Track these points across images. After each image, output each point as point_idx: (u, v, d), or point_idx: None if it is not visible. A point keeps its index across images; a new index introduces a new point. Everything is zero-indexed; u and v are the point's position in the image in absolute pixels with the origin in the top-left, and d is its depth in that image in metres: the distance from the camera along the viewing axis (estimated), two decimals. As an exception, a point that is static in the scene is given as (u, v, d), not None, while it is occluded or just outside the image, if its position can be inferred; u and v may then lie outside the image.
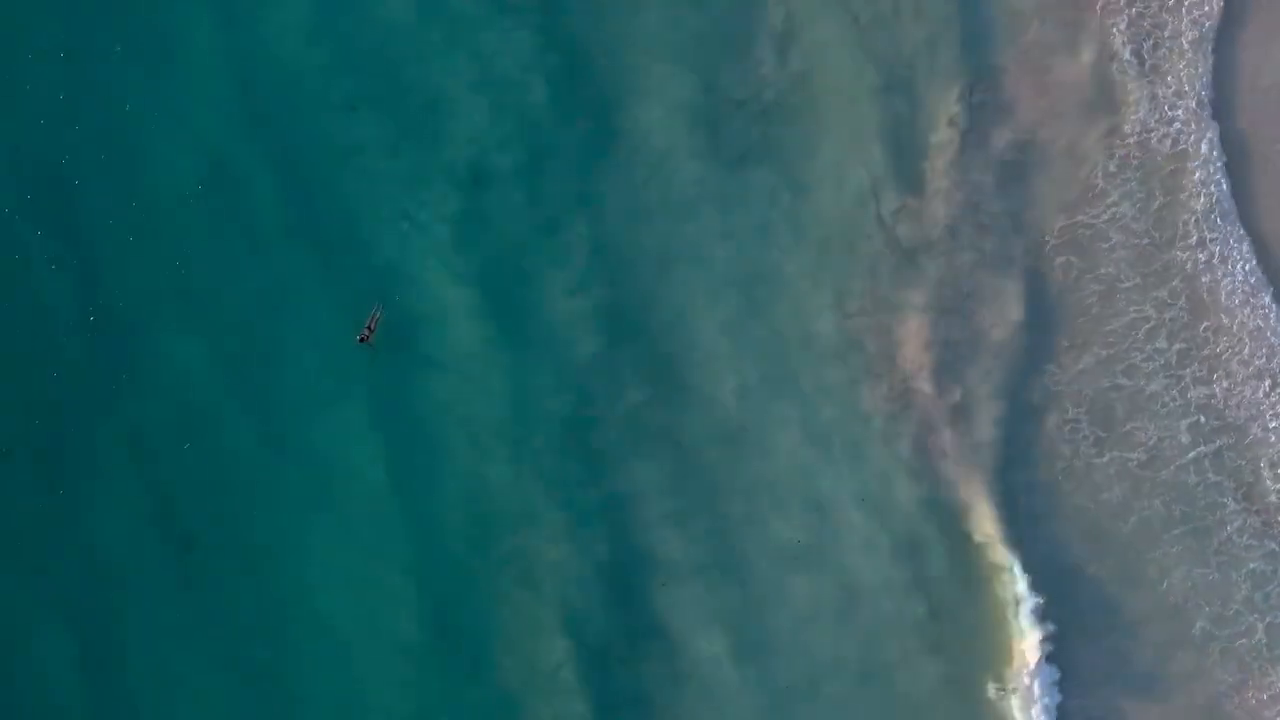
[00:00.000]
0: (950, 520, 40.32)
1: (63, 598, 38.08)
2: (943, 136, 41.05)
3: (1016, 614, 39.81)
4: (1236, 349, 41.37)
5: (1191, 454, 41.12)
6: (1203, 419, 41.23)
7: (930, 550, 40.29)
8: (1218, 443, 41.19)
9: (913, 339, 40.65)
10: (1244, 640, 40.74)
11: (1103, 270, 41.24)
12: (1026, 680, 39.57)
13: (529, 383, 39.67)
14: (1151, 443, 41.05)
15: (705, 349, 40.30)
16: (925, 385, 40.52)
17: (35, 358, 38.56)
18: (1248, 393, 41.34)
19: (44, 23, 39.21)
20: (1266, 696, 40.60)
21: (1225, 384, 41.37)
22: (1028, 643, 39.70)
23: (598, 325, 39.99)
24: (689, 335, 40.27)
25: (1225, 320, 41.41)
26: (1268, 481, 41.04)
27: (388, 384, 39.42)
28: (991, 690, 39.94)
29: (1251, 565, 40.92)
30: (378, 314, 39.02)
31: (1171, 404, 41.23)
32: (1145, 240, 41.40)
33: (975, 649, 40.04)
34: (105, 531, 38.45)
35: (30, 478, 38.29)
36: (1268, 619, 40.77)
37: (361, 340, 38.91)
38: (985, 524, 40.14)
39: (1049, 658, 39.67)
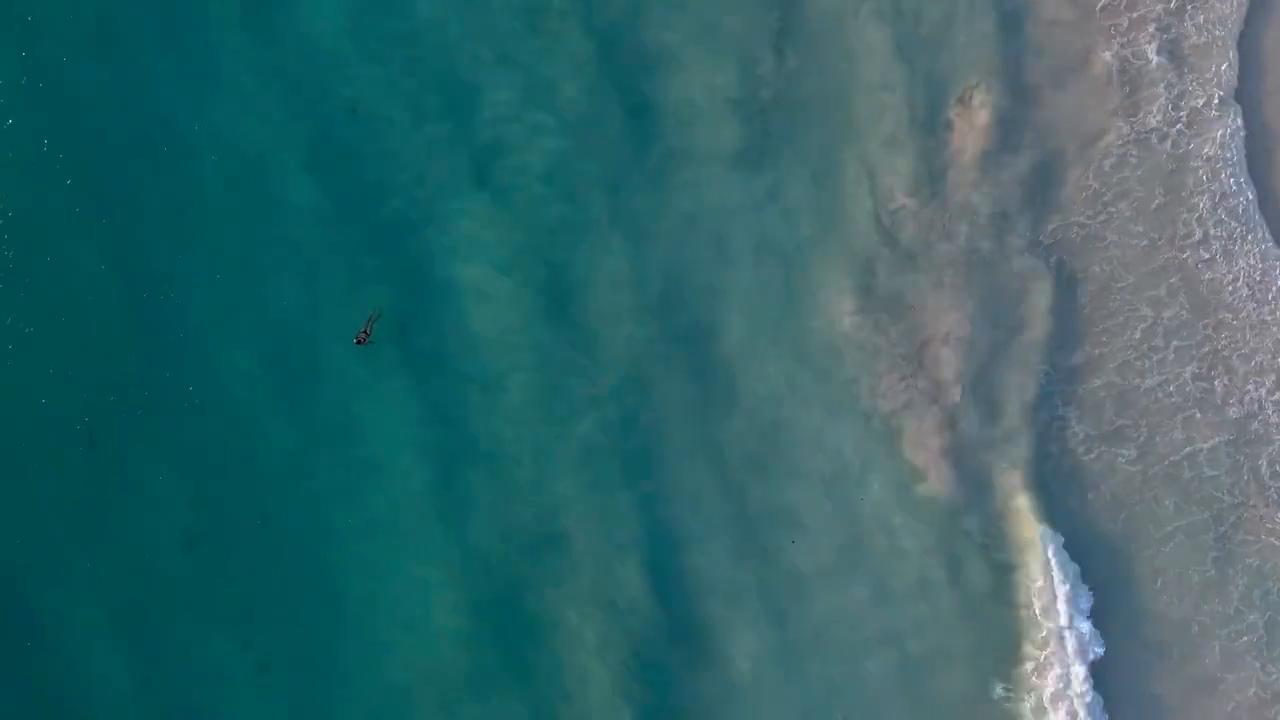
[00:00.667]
0: (951, 516, 40.31)
1: (101, 590, 38.20)
2: (942, 138, 40.93)
3: (1045, 613, 39.82)
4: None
5: (1186, 450, 41.36)
6: (1198, 414, 41.41)
7: (931, 550, 40.46)
8: (1217, 438, 41.40)
9: (911, 338, 40.62)
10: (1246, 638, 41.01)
11: (1102, 269, 41.27)
12: (1060, 682, 39.80)
13: (561, 374, 39.88)
14: (1143, 439, 41.34)
15: (725, 344, 40.52)
16: (926, 383, 40.52)
17: (83, 354, 38.43)
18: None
19: (82, 24, 38.93)
20: (1269, 695, 40.72)
21: (1225, 380, 41.56)
22: (1061, 638, 39.88)
23: (616, 317, 40.17)
24: (695, 329, 40.46)
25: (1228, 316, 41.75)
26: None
27: (420, 381, 39.40)
28: (999, 691, 40.06)
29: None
30: (375, 317, 38.78)
31: (1174, 399, 41.46)
32: (1145, 241, 41.47)
33: (985, 649, 40.25)
34: (141, 524, 38.40)
35: (77, 469, 38.29)
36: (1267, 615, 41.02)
37: (358, 342, 38.74)
38: (1012, 517, 40.44)
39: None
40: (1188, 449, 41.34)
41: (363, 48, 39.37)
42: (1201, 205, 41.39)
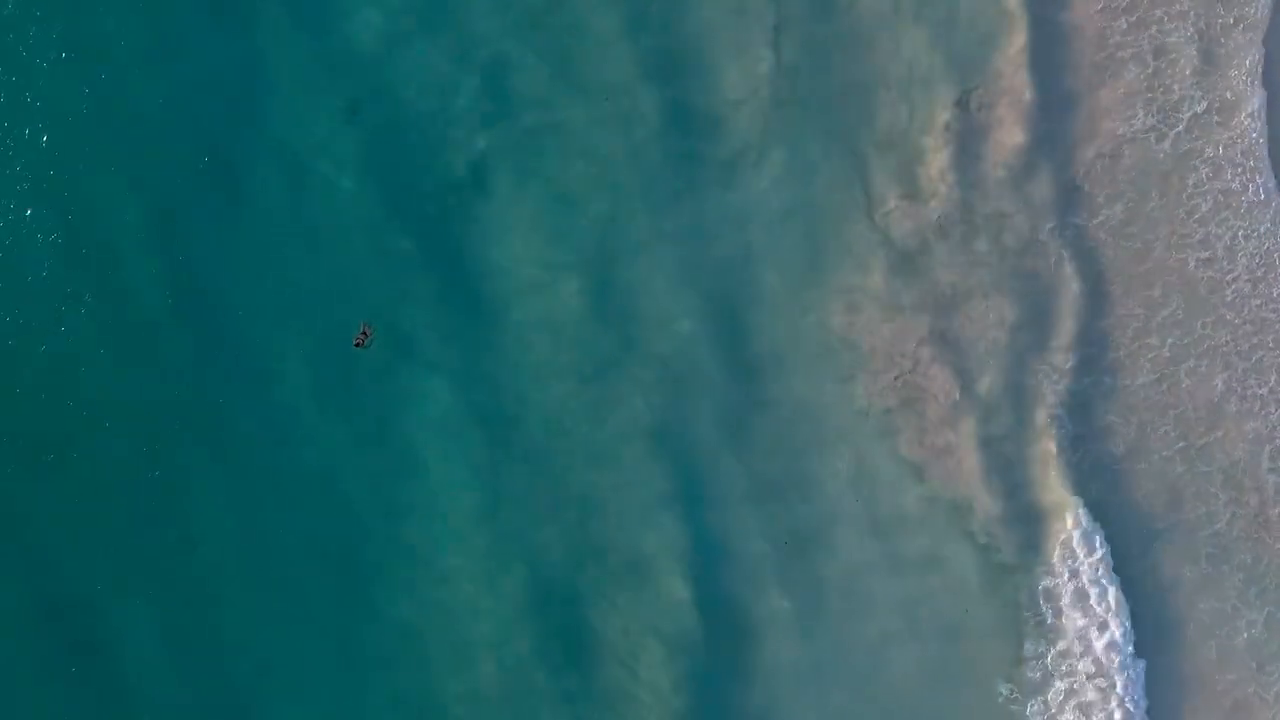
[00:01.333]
0: (951, 516, 40.38)
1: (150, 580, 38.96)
2: (937, 139, 40.88)
3: (1053, 613, 39.78)
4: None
5: (1180, 445, 41.29)
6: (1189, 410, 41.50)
7: (934, 550, 40.57)
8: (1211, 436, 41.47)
9: (909, 338, 40.57)
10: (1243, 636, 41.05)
11: (1106, 267, 41.28)
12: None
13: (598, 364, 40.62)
14: (1133, 437, 41.33)
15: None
16: (924, 382, 40.49)
17: (132, 351, 39.28)
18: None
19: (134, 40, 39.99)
20: (1271, 695, 40.81)
21: (1226, 376, 41.63)
22: (1070, 638, 39.88)
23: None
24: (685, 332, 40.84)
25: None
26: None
27: (461, 376, 40.01)
28: (1004, 690, 39.99)
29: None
30: (370, 326, 39.30)
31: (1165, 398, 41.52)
32: (1141, 242, 41.50)
33: (987, 650, 40.29)
34: (190, 513, 39.26)
35: (122, 462, 39.07)
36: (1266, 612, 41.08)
37: (357, 345, 39.17)
38: (1028, 515, 40.53)
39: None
40: (1182, 444, 41.33)
41: (388, 44, 40.00)
42: (1204, 206, 41.40)
